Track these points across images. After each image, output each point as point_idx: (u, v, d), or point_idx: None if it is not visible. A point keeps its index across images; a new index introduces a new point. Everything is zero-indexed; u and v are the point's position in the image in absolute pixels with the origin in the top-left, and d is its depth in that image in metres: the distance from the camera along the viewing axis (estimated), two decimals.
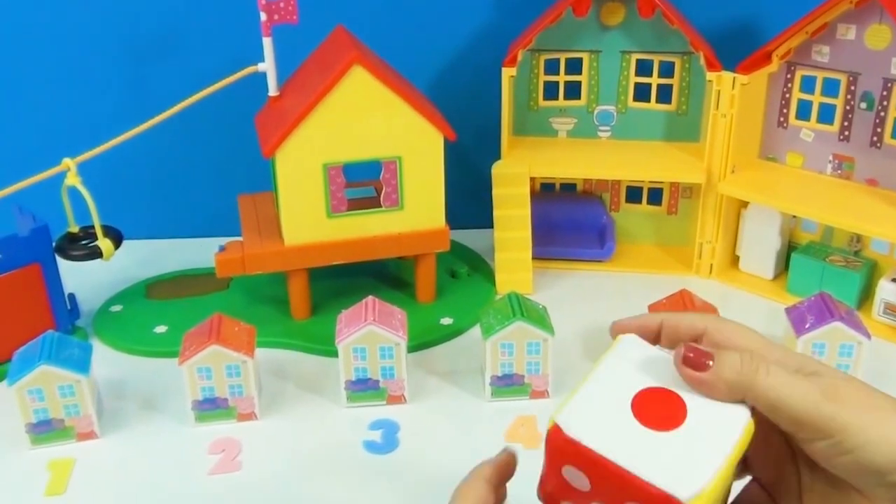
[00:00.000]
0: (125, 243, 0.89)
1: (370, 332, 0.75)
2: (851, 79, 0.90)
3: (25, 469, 0.71)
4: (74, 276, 0.90)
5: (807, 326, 0.76)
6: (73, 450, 0.73)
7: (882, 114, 0.89)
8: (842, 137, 0.92)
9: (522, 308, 0.76)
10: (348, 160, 0.84)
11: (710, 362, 0.39)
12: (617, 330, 0.45)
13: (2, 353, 0.79)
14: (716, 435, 0.38)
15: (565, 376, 0.77)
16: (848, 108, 0.91)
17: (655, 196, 1.03)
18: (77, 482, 0.70)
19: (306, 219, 0.85)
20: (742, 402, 0.39)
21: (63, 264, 0.86)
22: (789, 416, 0.38)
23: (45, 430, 0.73)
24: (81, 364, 0.73)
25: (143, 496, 0.69)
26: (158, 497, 0.69)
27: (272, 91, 0.88)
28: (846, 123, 0.92)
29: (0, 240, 0.80)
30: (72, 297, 0.89)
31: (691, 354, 0.40)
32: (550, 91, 1.01)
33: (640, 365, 0.41)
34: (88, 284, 0.94)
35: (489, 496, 0.43)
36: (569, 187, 1.05)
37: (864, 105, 0.90)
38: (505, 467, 0.45)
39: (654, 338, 0.45)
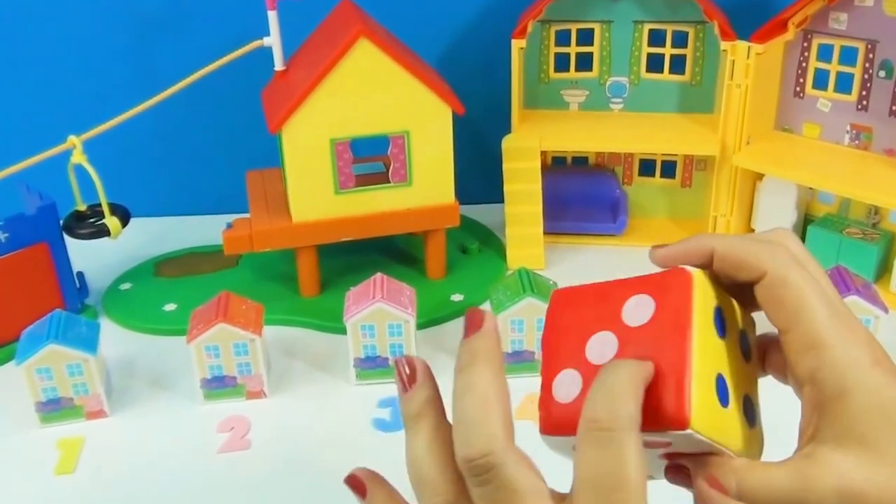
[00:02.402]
0: (133, 221, 0.89)
1: (379, 309, 0.74)
2: (870, 47, 0.88)
3: (35, 448, 0.71)
4: (83, 254, 0.89)
5: None
6: (82, 428, 0.73)
7: None
8: (860, 107, 0.91)
9: (533, 284, 0.75)
10: (355, 135, 0.83)
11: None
12: (659, 259, 0.39)
13: (11, 333, 0.79)
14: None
15: None
16: (866, 76, 0.89)
17: (669, 169, 1.01)
18: (86, 461, 0.70)
19: (314, 195, 0.84)
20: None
21: (71, 243, 0.86)
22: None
23: (54, 408, 0.73)
24: (89, 343, 0.73)
25: (152, 474, 0.69)
26: (167, 475, 0.68)
27: (278, 66, 0.87)
28: (864, 93, 0.90)
29: (7, 219, 0.80)
30: (80, 275, 0.89)
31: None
32: (561, 63, 0.99)
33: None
34: (97, 263, 0.94)
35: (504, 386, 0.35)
36: (581, 161, 1.04)
37: (882, 73, 0.88)
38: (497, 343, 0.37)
39: (705, 266, 0.38)
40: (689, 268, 0.36)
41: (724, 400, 0.35)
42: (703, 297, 0.36)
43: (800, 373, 0.36)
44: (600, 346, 0.36)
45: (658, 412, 0.34)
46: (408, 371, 0.38)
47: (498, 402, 0.34)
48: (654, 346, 0.35)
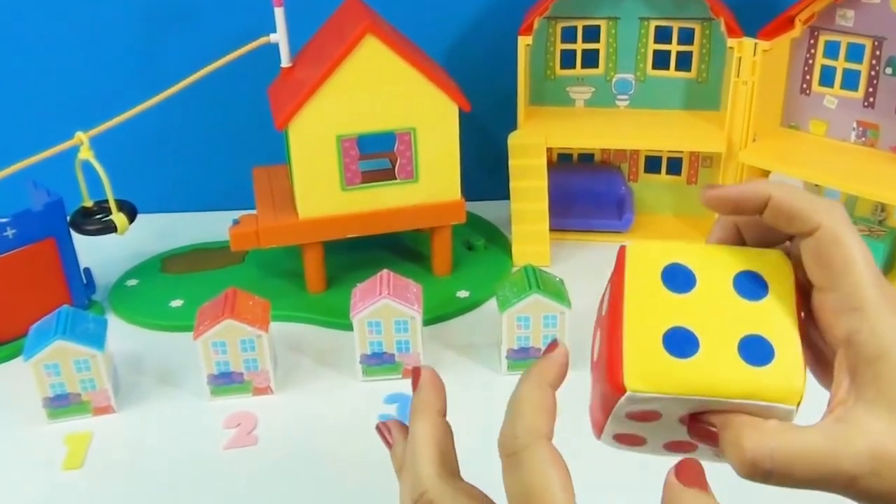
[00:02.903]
0: (140, 217, 0.89)
1: (385, 305, 0.74)
2: (876, 43, 0.87)
3: (43, 443, 0.72)
4: (90, 250, 0.89)
5: None
6: (89, 424, 0.74)
7: None
8: (866, 104, 0.90)
9: (539, 281, 0.75)
10: (362, 132, 0.83)
11: None
12: (711, 200, 0.38)
13: (18, 328, 0.79)
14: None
15: (582, 350, 0.76)
16: (873, 73, 0.89)
17: (675, 166, 1.01)
18: (94, 456, 0.70)
19: (320, 192, 0.84)
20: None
21: (78, 239, 0.86)
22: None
23: (61, 404, 0.73)
24: (96, 339, 0.73)
25: (159, 470, 0.69)
26: (174, 471, 0.69)
27: (285, 62, 0.87)
28: (871, 90, 0.90)
29: (14, 215, 0.80)
30: (87, 271, 0.89)
31: None
32: (567, 59, 0.99)
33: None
34: (104, 259, 0.94)
35: (553, 402, 0.37)
36: (586, 158, 1.04)
37: (889, 70, 0.88)
38: (561, 368, 0.39)
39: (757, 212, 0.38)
40: (628, 243, 0.38)
41: (682, 352, 0.35)
42: (642, 264, 0.37)
43: (837, 333, 0.35)
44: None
45: (602, 390, 0.35)
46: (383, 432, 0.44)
47: (530, 396, 0.37)
48: (605, 329, 0.37)
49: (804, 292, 0.37)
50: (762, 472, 0.33)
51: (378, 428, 0.44)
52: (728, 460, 0.34)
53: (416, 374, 0.42)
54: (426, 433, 0.39)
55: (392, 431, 0.43)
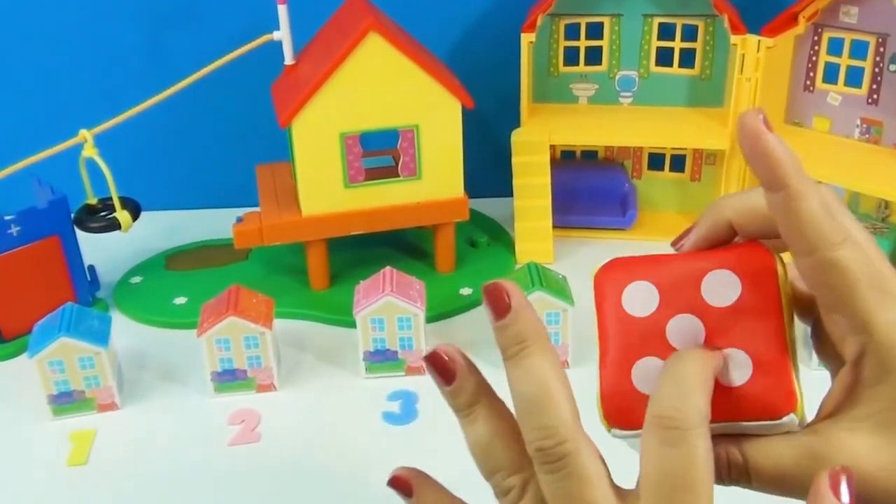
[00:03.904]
0: (144, 215, 0.89)
1: (388, 302, 0.74)
2: (880, 40, 0.87)
3: (47, 440, 0.72)
4: (94, 248, 0.90)
5: None
6: (94, 421, 0.74)
7: None
8: (870, 101, 0.90)
9: (542, 278, 0.75)
10: (365, 129, 0.83)
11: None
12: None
13: (23, 326, 0.80)
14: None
15: (585, 347, 0.77)
16: (877, 70, 0.89)
17: (678, 163, 1.01)
18: (98, 453, 0.71)
19: (323, 189, 0.84)
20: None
21: (82, 236, 0.86)
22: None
23: (66, 401, 0.73)
24: (101, 336, 0.73)
25: (163, 466, 0.69)
26: (178, 467, 0.69)
27: (288, 60, 0.87)
28: (875, 86, 0.89)
29: (19, 212, 0.80)
30: (91, 268, 0.89)
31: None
32: (571, 57, 0.99)
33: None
34: (108, 256, 0.94)
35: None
36: (590, 155, 1.04)
37: (893, 67, 0.88)
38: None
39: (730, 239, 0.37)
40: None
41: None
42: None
43: (844, 351, 0.34)
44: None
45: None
46: (445, 361, 0.36)
47: (560, 384, 0.33)
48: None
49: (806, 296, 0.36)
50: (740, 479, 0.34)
51: (429, 360, 0.36)
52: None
53: (499, 294, 0.34)
54: (553, 370, 0.33)
55: (455, 361, 0.36)
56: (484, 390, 0.36)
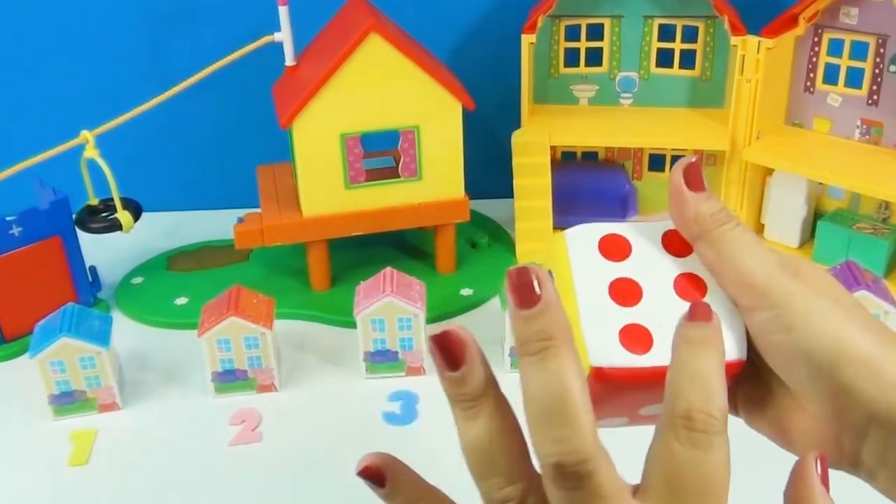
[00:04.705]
0: (145, 215, 0.90)
1: (388, 303, 0.74)
2: (880, 41, 0.87)
3: (48, 440, 0.72)
4: (96, 248, 0.90)
5: None
6: (95, 421, 0.74)
7: None
8: (870, 102, 0.90)
9: None
10: (366, 130, 0.83)
11: (706, 188, 0.34)
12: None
13: (25, 326, 0.80)
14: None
15: None
16: (877, 71, 0.89)
17: None
18: (99, 453, 0.71)
19: (324, 190, 0.85)
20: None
21: (84, 237, 0.86)
22: (737, 272, 0.33)
23: (67, 401, 0.74)
24: (102, 336, 0.73)
25: (164, 466, 0.69)
26: (179, 467, 0.69)
27: (289, 61, 0.87)
28: (875, 87, 0.89)
29: (20, 213, 0.81)
30: (93, 269, 0.89)
31: (691, 173, 0.34)
32: (571, 58, 0.99)
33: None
34: (110, 257, 0.94)
35: None
36: (590, 156, 1.04)
37: (893, 68, 0.88)
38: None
39: None
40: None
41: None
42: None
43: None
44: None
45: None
46: (455, 343, 0.32)
47: (584, 394, 0.30)
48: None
49: None
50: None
51: (436, 340, 0.32)
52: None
53: (526, 279, 0.30)
54: (579, 379, 0.30)
55: (465, 345, 0.32)
56: (491, 384, 0.32)
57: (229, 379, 0.76)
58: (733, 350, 0.34)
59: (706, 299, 0.34)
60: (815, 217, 0.94)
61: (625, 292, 0.35)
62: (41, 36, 1.00)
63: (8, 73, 1.01)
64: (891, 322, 0.74)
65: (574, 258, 0.36)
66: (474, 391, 0.31)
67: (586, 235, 0.36)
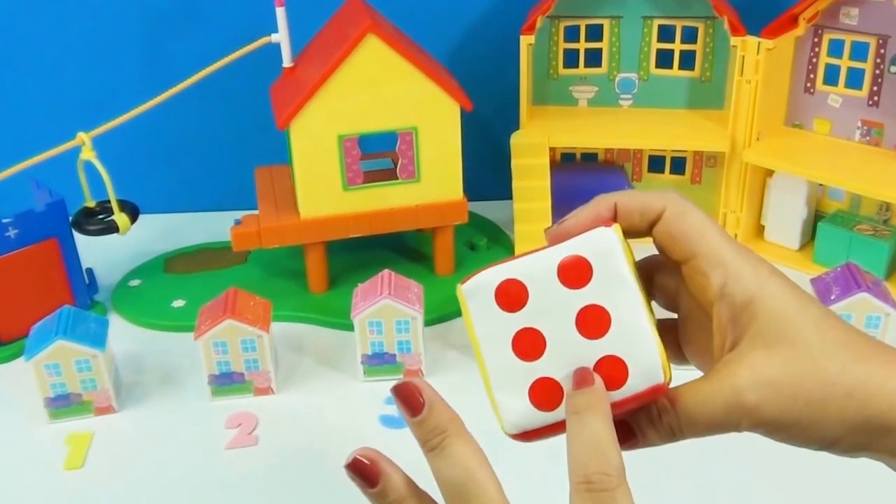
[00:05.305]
0: (142, 217, 0.89)
1: (386, 305, 0.74)
2: (881, 42, 0.87)
3: (44, 443, 0.72)
4: (92, 250, 0.89)
5: (832, 297, 0.74)
6: (91, 424, 0.74)
7: None
8: (871, 103, 0.90)
9: None
10: (364, 132, 0.82)
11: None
12: (558, 235, 0.38)
13: (21, 329, 0.79)
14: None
15: None
16: (877, 72, 0.88)
17: (678, 165, 1.01)
18: (95, 456, 0.71)
19: (322, 192, 0.84)
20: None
21: (80, 239, 0.86)
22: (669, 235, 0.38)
23: (62, 404, 0.73)
24: (98, 339, 0.73)
25: (160, 470, 0.69)
26: (175, 471, 0.69)
27: (286, 62, 0.87)
28: (875, 88, 0.89)
29: (17, 215, 0.80)
30: (90, 271, 0.89)
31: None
32: (570, 59, 0.99)
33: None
34: (107, 259, 0.94)
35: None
36: (590, 157, 1.03)
37: (894, 69, 0.87)
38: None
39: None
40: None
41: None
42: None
43: (710, 293, 0.37)
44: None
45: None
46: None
47: (484, 465, 0.35)
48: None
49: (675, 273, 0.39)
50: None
51: (397, 391, 0.36)
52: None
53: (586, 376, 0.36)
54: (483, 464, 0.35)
55: (422, 391, 0.36)
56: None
57: (226, 382, 0.75)
58: (649, 375, 0.35)
59: (612, 329, 0.36)
60: (816, 219, 0.93)
61: (528, 346, 0.36)
62: (37, 38, 0.99)
63: (4, 75, 1.01)
64: (891, 324, 0.73)
65: (475, 317, 0.37)
66: (438, 428, 0.35)
67: (483, 288, 0.37)
